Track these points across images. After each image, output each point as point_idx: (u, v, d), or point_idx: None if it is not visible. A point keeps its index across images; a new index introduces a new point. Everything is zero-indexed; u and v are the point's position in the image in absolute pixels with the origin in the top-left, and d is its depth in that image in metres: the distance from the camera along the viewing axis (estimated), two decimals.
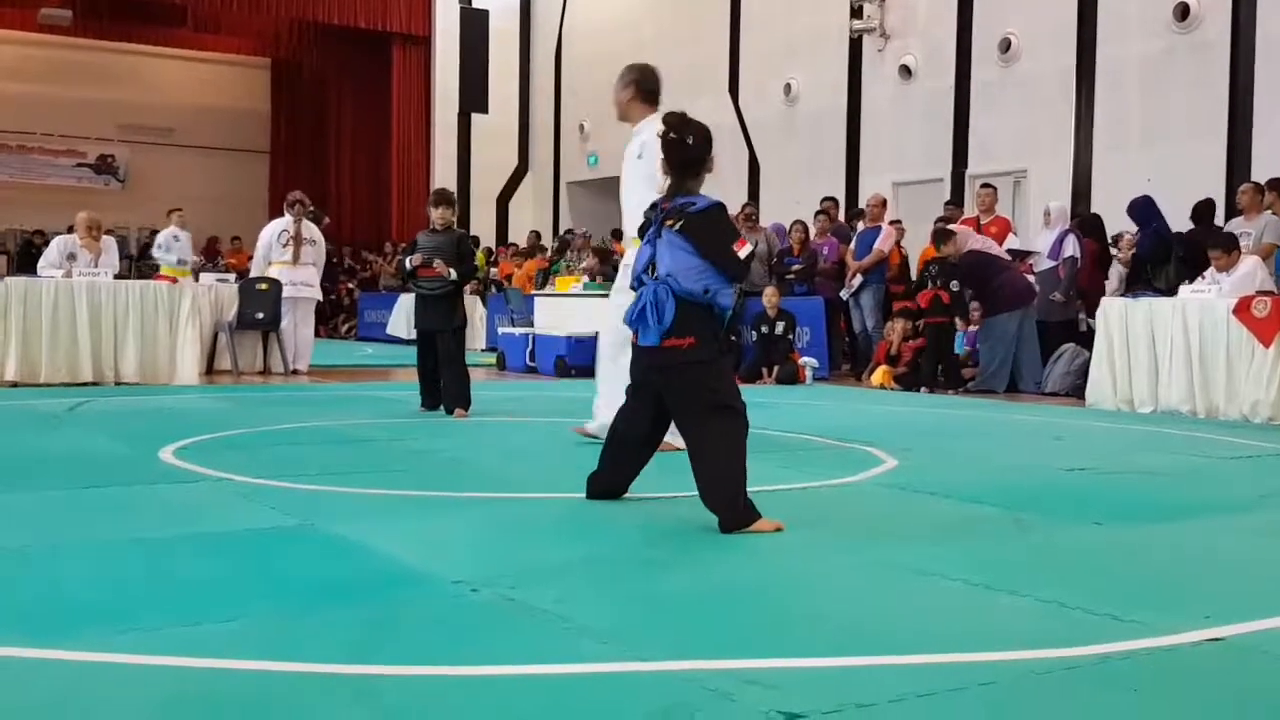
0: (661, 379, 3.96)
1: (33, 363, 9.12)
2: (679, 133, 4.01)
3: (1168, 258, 10.35)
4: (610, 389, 5.74)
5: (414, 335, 7.91)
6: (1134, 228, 10.83)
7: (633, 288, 4.10)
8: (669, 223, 3.93)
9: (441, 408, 7.52)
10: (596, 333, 12.32)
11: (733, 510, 3.78)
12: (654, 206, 4.09)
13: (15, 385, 8.93)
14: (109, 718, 2.11)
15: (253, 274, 11.45)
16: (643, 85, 5.63)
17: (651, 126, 5.39)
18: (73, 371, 9.23)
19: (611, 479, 4.27)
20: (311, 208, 12.05)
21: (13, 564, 3.23)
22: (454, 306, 7.62)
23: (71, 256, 10.02)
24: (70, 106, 22.94)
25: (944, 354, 10.59)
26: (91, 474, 4.81)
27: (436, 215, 7.73)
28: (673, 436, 5.61)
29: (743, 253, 3.91)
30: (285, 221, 11.50)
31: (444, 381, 7.52)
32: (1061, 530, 4.05)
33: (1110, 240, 11.26)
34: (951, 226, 11.10)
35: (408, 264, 7.59)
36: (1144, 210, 10.57)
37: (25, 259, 20.33)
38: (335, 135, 23.96)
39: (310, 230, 11.62)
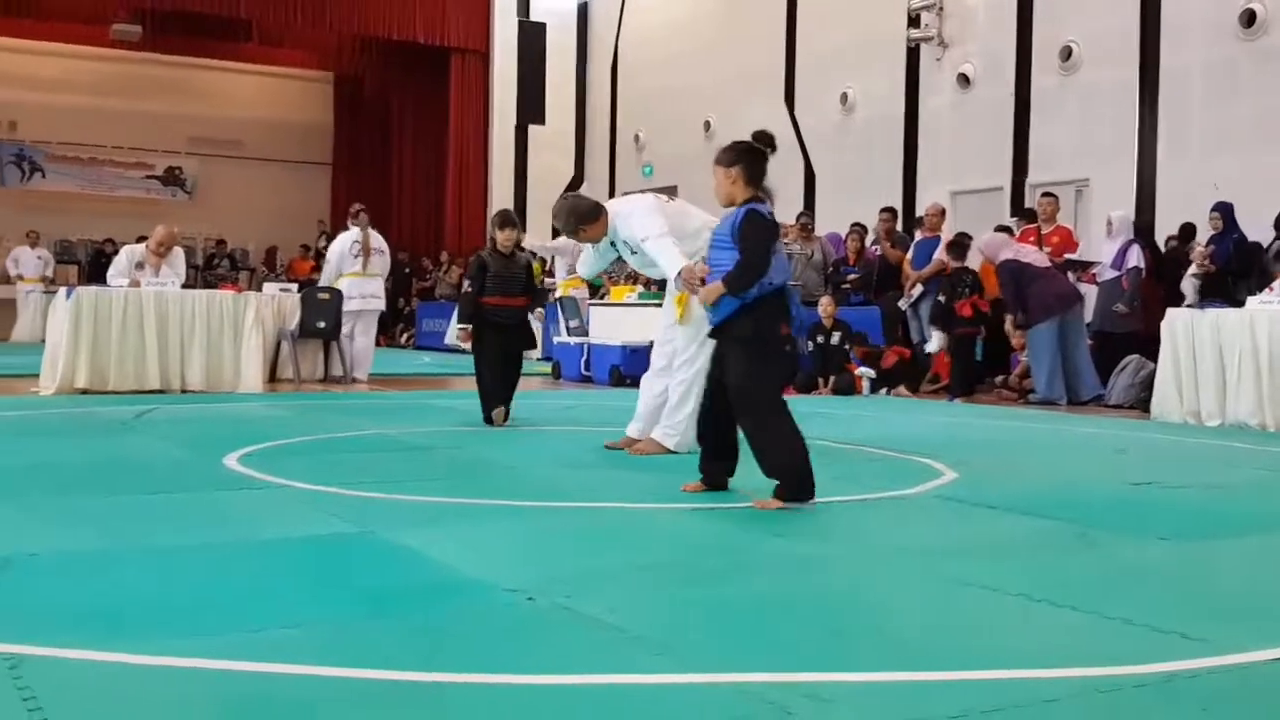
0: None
1: (101, 371, 9.29)
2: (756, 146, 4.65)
3: (1249, 270, 10.18)
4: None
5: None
6: (1196, 239, 10.70)
7: (779, 286, 4.61)
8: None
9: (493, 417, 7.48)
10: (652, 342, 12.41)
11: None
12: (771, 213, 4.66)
13: (85, 392, 9.09)
14: None
15: (323, 284, 11.62)
16: None
17: None
18: (140, 379, 9.39)
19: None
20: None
21: (80, 568, 3.30)
22: (529, 326, 7.80)
23: (140, 265, 10.21)
24: (139, 119, 23.37)
25: (969, 363, 10.73)
26: (157, 480, 4.89)
27: (503, 237, 7.55)
28: (661, 435, 6.15)
29: None
30: (354, 233, 11.67)
31: (505, 392, 7.48)
32: (1126, 545, 3.98)
33: (1180, 248, 11.08)
34: (989, 235, 11.09)
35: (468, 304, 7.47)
36: (1228, 217, 10.47)
37: (96, 269, 20.74)
38: (396, 147, 24.20)
39: (377, 240, 11.81)
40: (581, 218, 6.17)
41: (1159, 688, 2.40)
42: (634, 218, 6.01)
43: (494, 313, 7.45)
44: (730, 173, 4.57)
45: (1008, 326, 10.64)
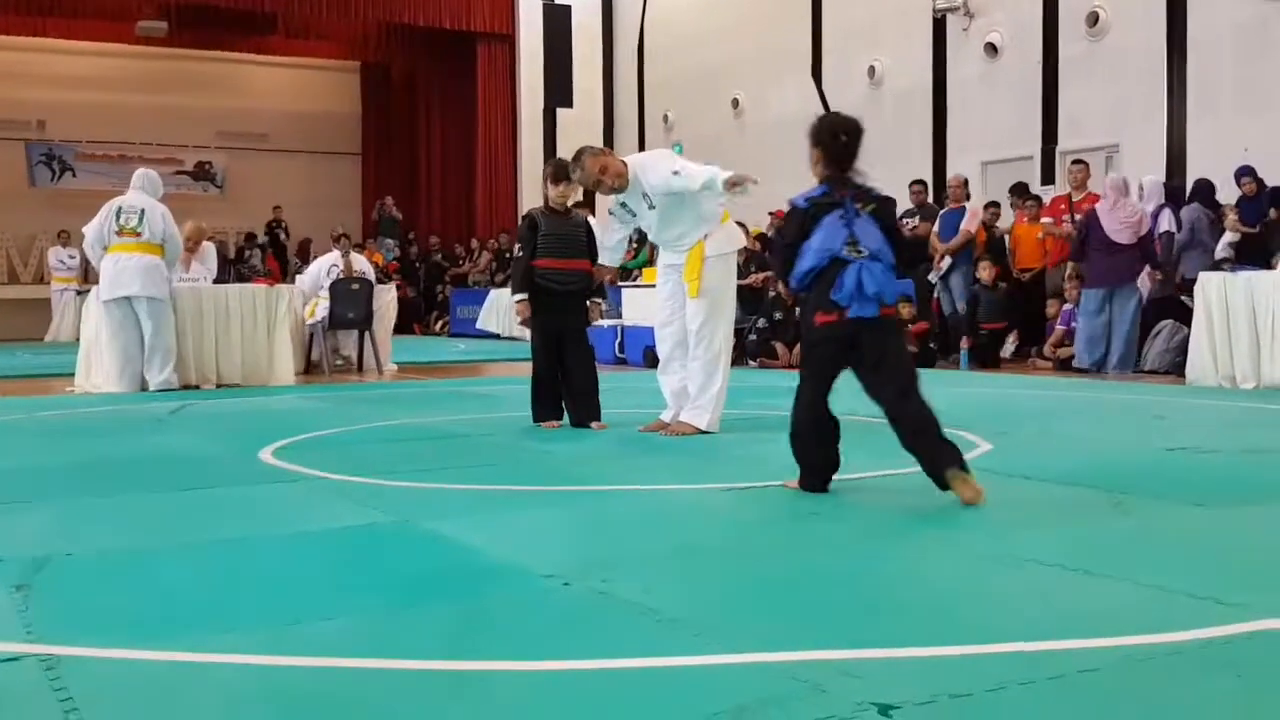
0: (873, 342, 4.18)
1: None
2: (836, 129, 4.35)
3: None
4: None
5: (511, 332, 7.41)
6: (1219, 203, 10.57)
7: (822, 266, 4.22)
8: (860, 205, 4.28)
9: (567, 419, 6.49)
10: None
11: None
12: (825, 192, 4.31)
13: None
14: (211, 717, 2.16)
15: (304, 305, 11.21)
16: None
17: None
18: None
19: (829, 457, 4.31)
20: (354, 242, 12.29)
21: (115, 565, 3.33)
22: (585, 302, 6.58)
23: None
24: (167, 115, 23.49)
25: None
26: (193, 476, 4.93)
27: (556, 192, 6.51)
28: (690, 415, 6.02)
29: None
30: (334, 256, 11.61)
31: (577, 388, 6.45)
32: (1162, 512, 3.96)
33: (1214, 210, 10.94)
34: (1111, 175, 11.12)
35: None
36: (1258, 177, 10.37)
37: None
38: (424, 135, 24.24)
39: (359, 263, 11.65)
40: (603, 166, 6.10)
41: (1194, 654, 2.39)
42: (661, 161, 6.12)
43: (546, 275, 6.39)
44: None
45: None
